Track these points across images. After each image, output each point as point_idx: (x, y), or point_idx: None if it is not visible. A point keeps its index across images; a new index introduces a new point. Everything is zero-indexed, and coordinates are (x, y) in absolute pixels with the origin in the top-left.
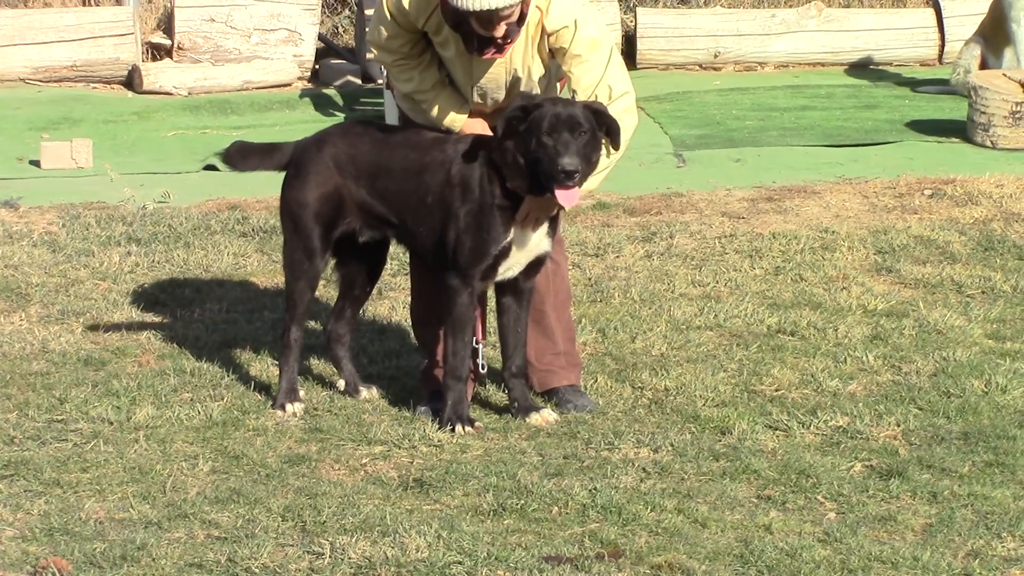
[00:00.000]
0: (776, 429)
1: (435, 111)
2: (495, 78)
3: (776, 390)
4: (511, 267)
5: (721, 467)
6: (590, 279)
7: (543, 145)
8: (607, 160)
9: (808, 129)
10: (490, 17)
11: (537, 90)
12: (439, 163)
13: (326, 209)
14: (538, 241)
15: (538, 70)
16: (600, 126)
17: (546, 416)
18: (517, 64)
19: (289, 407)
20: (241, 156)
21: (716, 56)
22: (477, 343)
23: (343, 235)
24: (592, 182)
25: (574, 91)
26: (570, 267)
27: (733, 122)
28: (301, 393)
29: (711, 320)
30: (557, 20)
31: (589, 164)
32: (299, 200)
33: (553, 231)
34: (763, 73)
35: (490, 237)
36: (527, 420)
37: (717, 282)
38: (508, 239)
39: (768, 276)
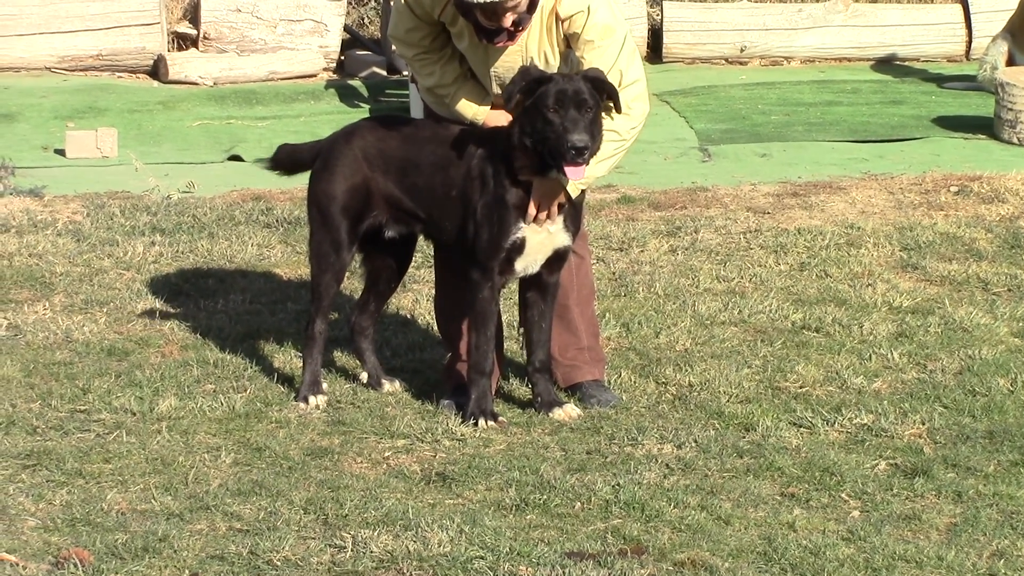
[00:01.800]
0: (800, 426)
1: (457, 105)
2: (512, 67)
3: (800, 387)
4: (529, 262)
5: (745, 464)
6: (614, 273)
7: (550, 122)
8: (614, 146)
9: (834, 124)
10: (494, 9)
11: None
12: (462, 157)
13: (354, 202)
14: (555, 234)
15: (555, 58)
16: (601, 95)
17: (569, 411)
18: (534, 52)
19: (312, 399)
20: (290, 159)
21: (742, 50)
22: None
23: (370, 229)
24: (600, 168)
25: None
26: (594, 261)
27: (759, 117)
28: (324, 386)
29: (735, 316)
30: (571, 5)
31: (595, 141)
32: (327, 192)
33: (574, 225)
34: (789, 68)
35: (502, 230)
36: (550, 415)
37: (742, 277)
38: (520, 232)
39: (793, 272)
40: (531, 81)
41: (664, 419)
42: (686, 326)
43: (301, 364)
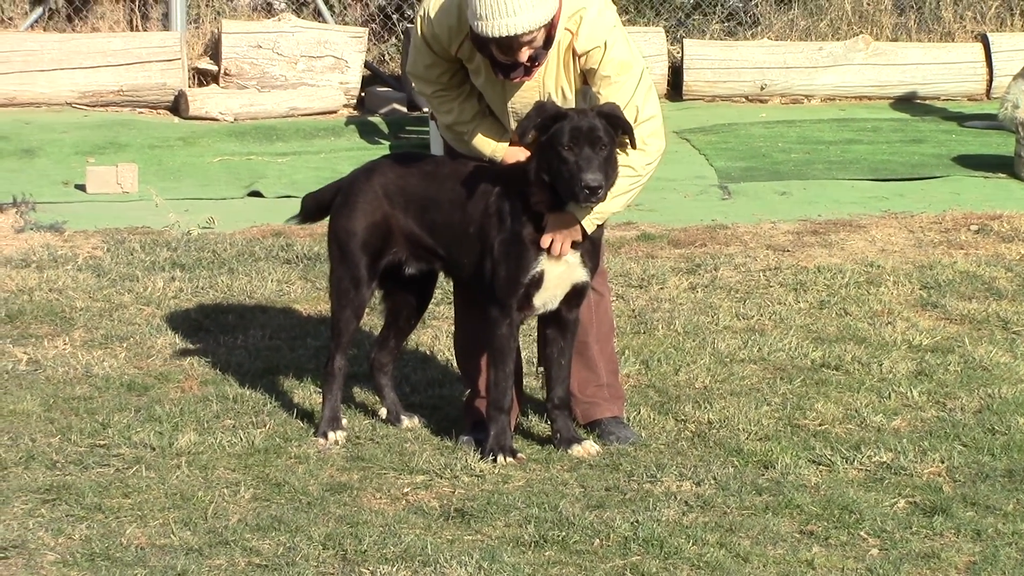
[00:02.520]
0: (819, 464)
1: (476, 141)
2: (529, 102)
3: (820, 425)
4: (548, 298)
5: (764, 501)
6: (634, 311)
7: (564, 160)
8: (630, 182)
9: (854, 163)
10: (510, 43)
11: None
12: (480, 193)
13: (374, 238)
14: (573, 269)
15: (571, 93)
16: (616, 131)
17: (588, 448)
18: (551, 87)
19: (331, 435)
20: (315, 207)
21: (762, 88)
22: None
23: (390, 265)
24: (615, 204)
25: None
26: (614, 298)
27: (779, 155)
28: (343, 421)
29: (755, 353)
30: (587, 41)
31: (609, 180)
32: (347, 228)
33: (592, 262)
34: (809, 106)
35: (520, 266)
36: (569, 451)
37: (761, 315)
38: (539, 268)
39: (813, 310)
40: (546, 117)
41: (683, 456)
42: (705, 363)
43: (320, 400)
